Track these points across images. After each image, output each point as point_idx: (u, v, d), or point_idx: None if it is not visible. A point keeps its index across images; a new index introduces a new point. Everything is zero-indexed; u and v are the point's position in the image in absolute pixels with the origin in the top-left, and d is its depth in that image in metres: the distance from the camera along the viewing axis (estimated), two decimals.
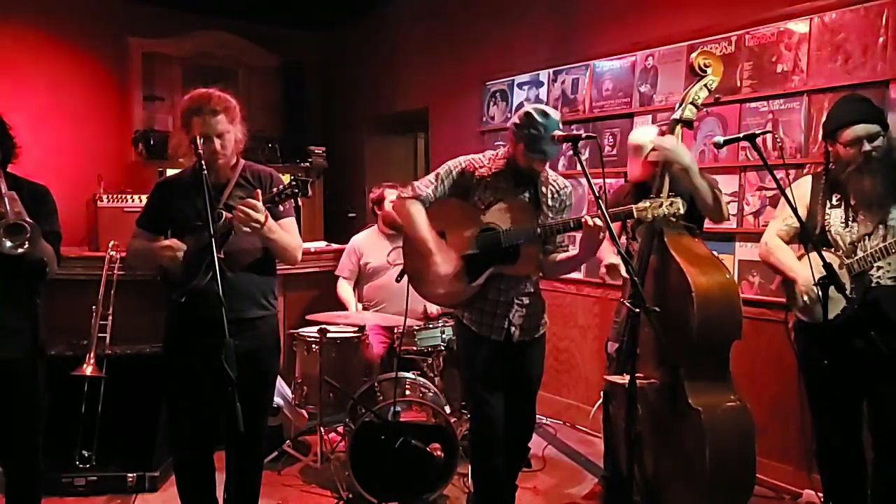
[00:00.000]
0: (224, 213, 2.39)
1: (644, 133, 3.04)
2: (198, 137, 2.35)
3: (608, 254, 3.11)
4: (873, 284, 2.49)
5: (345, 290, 4.18)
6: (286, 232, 2.53)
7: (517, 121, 2.67)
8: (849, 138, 2.52)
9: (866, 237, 2.51)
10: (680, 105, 2.71)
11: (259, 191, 2.41)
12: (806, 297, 2.56)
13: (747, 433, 2.58)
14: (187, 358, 2.49)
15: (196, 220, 2.43)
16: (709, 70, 2.69)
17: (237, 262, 2.45)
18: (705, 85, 2.69)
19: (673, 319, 2.56)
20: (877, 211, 2.53)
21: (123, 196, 4.13)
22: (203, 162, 2.30)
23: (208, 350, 2.38)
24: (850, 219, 2.56)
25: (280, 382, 3.94)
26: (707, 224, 3.52)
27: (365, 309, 4.08)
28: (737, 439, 2.55)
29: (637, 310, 2.32)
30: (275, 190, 2.43)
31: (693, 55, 2.75)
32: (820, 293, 2.36)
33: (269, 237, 2.44)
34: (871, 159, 2.50)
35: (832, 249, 2.55)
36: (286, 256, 2.56)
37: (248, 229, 2.33)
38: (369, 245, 4.20)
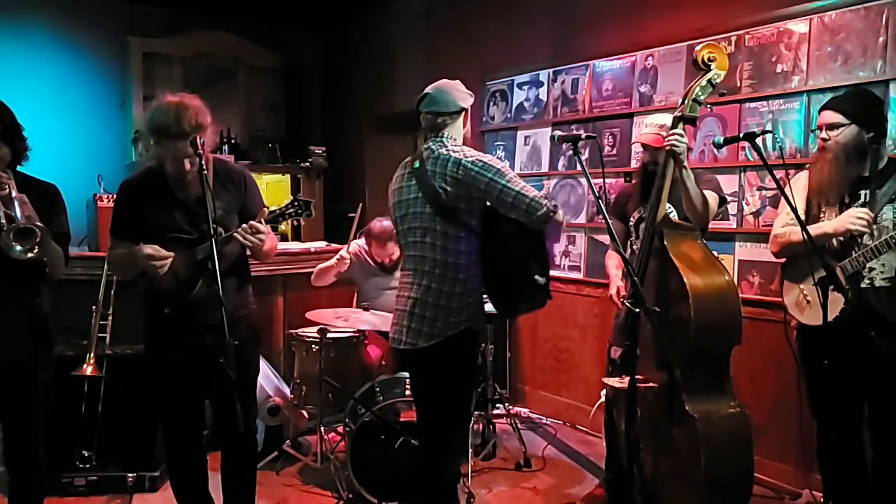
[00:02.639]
0: (217, 227, 2.34)
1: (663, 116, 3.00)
2: (197, 138, 2.34)
3: (613, 271, 3.10)
4: (864, 285, 2.49)
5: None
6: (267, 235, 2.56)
7: (469, 94, 2.54)
8: (818, 123, 2.60)
9: (859, 236, 2.51)
10: (683, 101, 2.68)
11: (265, 209, 2.44)
12: (858, 225, 2.44)
13: (744, 440, 2.56)
14: (169, 359, 2.52)
15: (173, 231, 2.43)
16: (713, 64, 2.64)
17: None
18: (709, 80, 2.65)
19: (671, 324, 2.55)
20: (829, 200, 2.57)
21: None
22: (203, 162, 2.30)
23: (189, 348, 2.45)
24: None
25: (280, 381, 3.94)
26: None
27: (364, 308, 4.07)
28: (733, 446, 2.53)
29: (637, 310, 2.32)
30: (277, 210, 2.45)
31: (697, 48, 2.70)
32: (820, 293, 2.35)
33: (262, 249, 2.51)
34: (826, 148, 2.55)
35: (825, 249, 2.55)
36: (265, 258, 2.66)
37: (250, 245, 2.39)
38: (363, 271, 4.07)
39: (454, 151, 2.39)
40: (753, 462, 2.61)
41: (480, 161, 2.35)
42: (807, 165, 3.16)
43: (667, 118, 2.90)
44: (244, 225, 2.37)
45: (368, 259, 4.07)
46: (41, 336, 2.48)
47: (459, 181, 2.34)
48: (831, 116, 2.55)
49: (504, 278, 2.39)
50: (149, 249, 2.36)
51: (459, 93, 2.51)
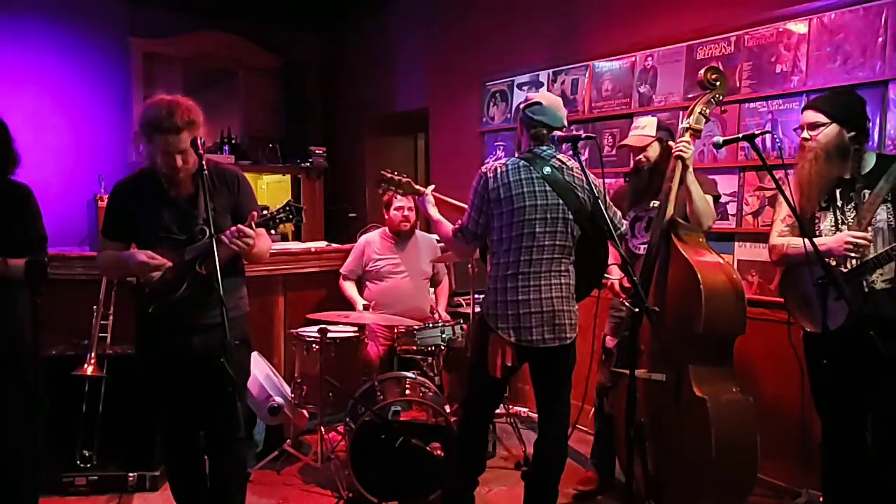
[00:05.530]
0: (206, 229, 2.34)
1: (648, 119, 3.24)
2: (198, 138, 2.33)
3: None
4: (866, 290, 2.49)
5: (348, 288, 4.20)
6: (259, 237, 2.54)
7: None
8: (800, 123, 2.64)
9: None
10: (690, 114, 2.91)
11: (255, 213, 2.42)
12: (851, 245, 2.47)
13: (750, 422, 2.70)
14: (158, 361, 2.51)
15: (162, 231, 2.42)
16: (717, 84, 2.91)
17: (206, 269, 2.44)
18: (713, 98, 2.91)
19: (682, 313, 2.69)
20: (809, 201, 2.58)
21: None
22: (203, 162, 2.30)
23: (177, 350, 2.44)
24: (840, 222, 2.56)
25: (280, 382, 3.95)
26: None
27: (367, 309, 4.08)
28: (740, 427, 2.67)
29: (637, 309, 2.35)
30: (267, 214, 2.44)
31: (701, 71, 2.94)
32: (819, 295, 2.36)
33: (251, 252, 2.47)
34: (807, 147, 2.57)
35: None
36: (256, 261, 2.62)
37: (237, 250, 2.36)
38: (377, 247, 4.19)
39: (578, 165, 2.69)
40: (758, 448, 2.70)
41: (595, 179, 2.70)
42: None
43: (652, 120, 3.18)
44: (231, 228, 2.35)
45: (381, 241, 4.18)
46: (38, 337, 2.49)
47: (591, 194, 2.66)
48: (812, 116, 2.58)
49: (600, 270, 2.85)
50: (143, 256, 2.34)
51: (564, 111, 2.76)
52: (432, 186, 3.09)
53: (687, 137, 2.86)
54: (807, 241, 2.36)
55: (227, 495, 2.59)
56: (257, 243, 2.43)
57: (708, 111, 2.91)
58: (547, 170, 2.66)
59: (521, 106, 2.74)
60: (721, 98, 2.94)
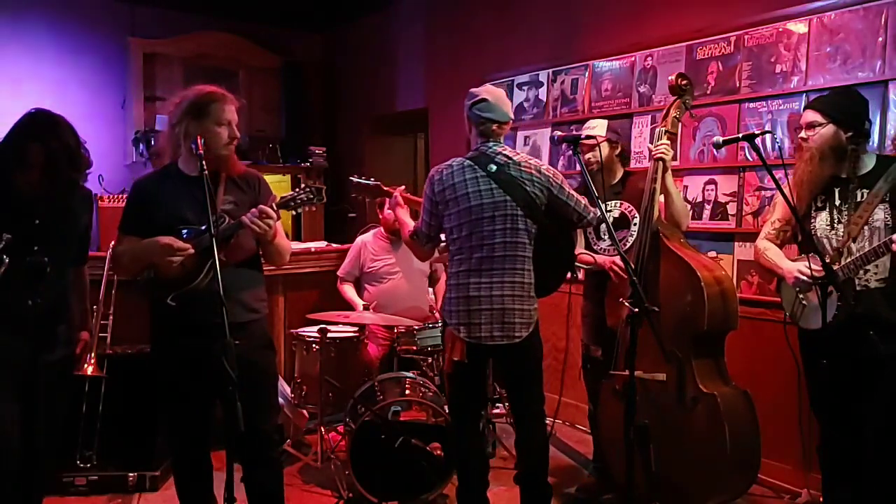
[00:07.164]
0: (226, 217, 2.37)
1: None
2: (198, 137, 2.33)
3: (587, 257, 3.21)
4: (859, 288, 2.49)
5: (347, 290, 4.19)
6: (279, 234, 2.54)
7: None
8: (800, 122, 2.67)
9: (851, 241, 2.51)
10: (666, 119, 2.98)
11: (276, 195, 2.43)
12: (799, 284, 2.57)
13: (752, 413, 2.78)
14: (176, 359, 2.48)
15: (181, 223, 2.41)
16: (687, 89, 2.99)
17: (227, 256, 2.42)
18: (684, 102, 3.00)
19: (681, 312, 2.73)
20: (800, 201, 2.58)
21: (124, 196, 4.14)
22: (203, 162, 2.29)
23: (197, 351, 2.39)
24: (836, 220, 2.56)
25: (280, 382, 3.95)
26: (707, 224, 3.59)
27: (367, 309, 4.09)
28: (745, 418, 2.74)
29: (636, 310, 2.36)
30: (288, 195, 2.45)
31: (671, 77, 3.01)
32: (819, 293, 2.36)
33: (272, 241, 2.47)
34: (803, 147, 2.60)
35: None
36: (278, 259, 2.60)
37: (259, 230, 2.35)
38: (373, 248, 4.19)
39: (529, 159, 2.72)
40: (760, 438, 2.77)
41: (549, 169, 2.73)
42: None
43: (603, 122, 3.26)
44: (253, 209, 2.35)
45: (376, 242, 4.18)
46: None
47: (543, 186, 2.67)
48: (811, 116, 2.59)
49: (567, 262, 2.84)
50: (167, 239, 2.35)
51: (509, 104, 2.78)
52: (401, 188, 3.11)
53: (665, 140, 2.93)
54: (783, 262, 2.59)
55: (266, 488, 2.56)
56: (278, 233, 2.46)
57: (680, 115, 3.00)
58: (492, 167, 2.65)
59: (468, 103, 2.74)
60: (690, 103, 3.04)
